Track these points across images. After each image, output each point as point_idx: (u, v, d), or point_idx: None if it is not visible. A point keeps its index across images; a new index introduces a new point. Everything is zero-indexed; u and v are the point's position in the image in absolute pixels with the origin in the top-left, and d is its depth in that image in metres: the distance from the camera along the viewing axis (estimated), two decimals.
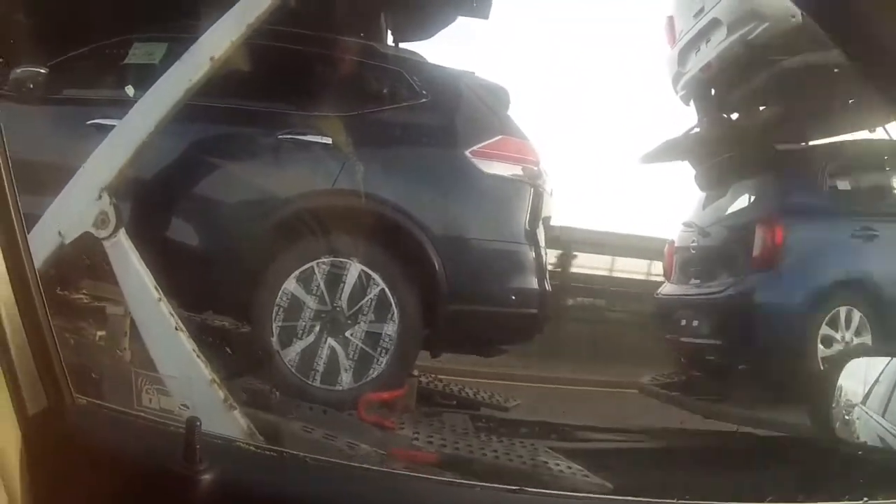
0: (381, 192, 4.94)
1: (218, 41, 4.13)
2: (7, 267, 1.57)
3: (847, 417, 2.56)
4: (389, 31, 6.40)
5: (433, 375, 6.20)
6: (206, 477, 1.49)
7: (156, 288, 3.92)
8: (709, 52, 7.28)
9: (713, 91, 7.59)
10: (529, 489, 1.85)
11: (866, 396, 2.60)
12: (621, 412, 7.06)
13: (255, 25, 4.15)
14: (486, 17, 6.41)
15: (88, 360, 4.29)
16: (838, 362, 2.71)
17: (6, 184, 1.54)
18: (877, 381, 2.59)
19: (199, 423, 1.52)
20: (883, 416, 2.53)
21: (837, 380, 2.54)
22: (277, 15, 4.26)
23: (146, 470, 1.58)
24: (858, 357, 2.85)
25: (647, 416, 6.77)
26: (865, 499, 1.75)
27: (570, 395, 8.01)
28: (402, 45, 6.36)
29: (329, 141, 5.01)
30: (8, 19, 5.04)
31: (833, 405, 2.52)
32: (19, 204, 1.60)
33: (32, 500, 1.50)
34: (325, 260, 4.86)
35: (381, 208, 4.93)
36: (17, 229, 1.58)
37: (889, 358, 2.69)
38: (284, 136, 5.02)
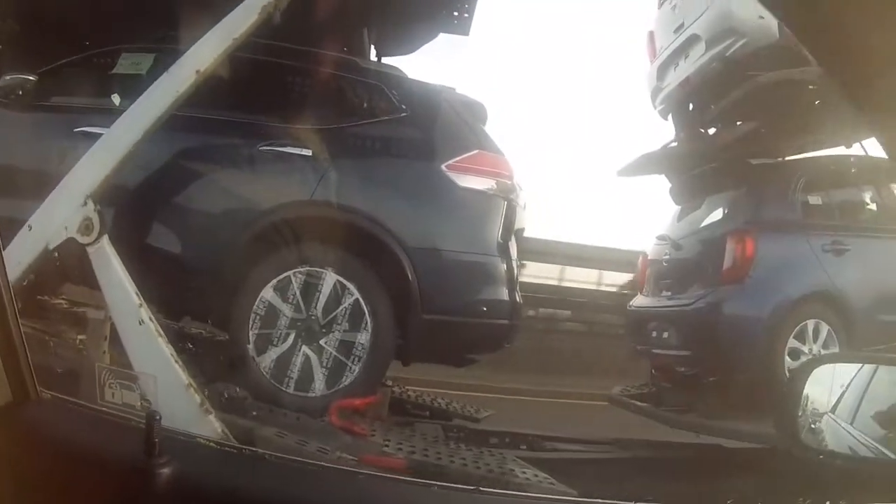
0: (357, 203, 5.05)
1: (204, 54, 4.22)
2: None
3: (815, 426, 2.60)
4: (372, 47, 6.50)
5: (406, 386, 6.30)
6: (165, 470, 1.56)
7: (136, 293, 4.01)
8: (687, 67, 7.40)
9: (691, 106, 7.71)
10: (485, 490, 1.92)
11: (835, 405, 2.62)
12: (592, 423, 7.15)
13: (241, 39, 4.25)
14: (466, 33, 6.54)
15: (54, 357, 4.40)
16: (804, 370, 2.72)
17: None
18: (845, 389, 2.62)
19: (158, 418, 1.60)
20: (852, 425, 2.57)
21: (803, 388, 2.54)
22: (263, 29, 4.38)
23: (108, 463, 1.63)
24: (824, 365, 2.88)
25: (618, 427, 6.85)
26: (828, 503, 1.82)
27: (542, 407, 8.10)
28: (384, 59, 6.48)
29: (309, 153, 5.10)
30: None
31: (799, 414, 2.54)
32: None
33: None
34: (302, 269, 4.97)
35: (357, 219, 5.03)
36: None
37: (857, 365, 2.75)
38: (265, 148, 5.11)
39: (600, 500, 2.02)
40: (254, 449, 1.93)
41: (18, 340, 1.71)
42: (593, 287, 10.75)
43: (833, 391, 2.65)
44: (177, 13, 4.77)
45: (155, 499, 1.44)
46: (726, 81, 7.02)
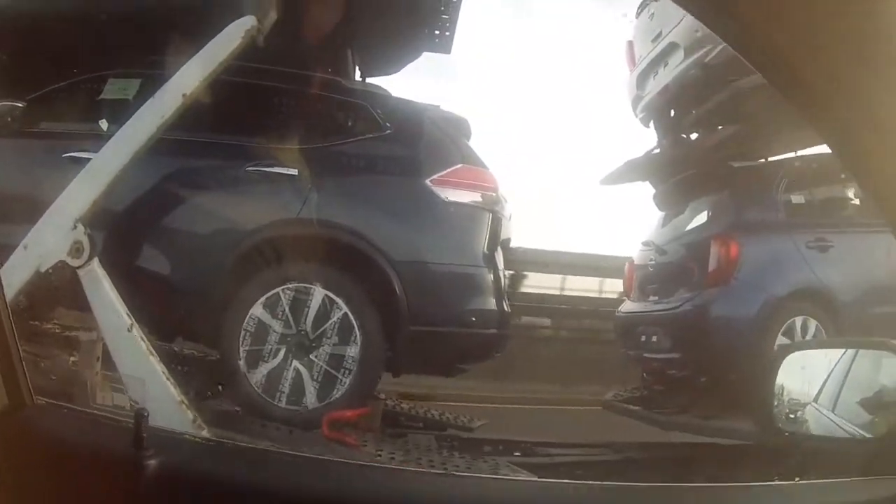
0: (343, 219, 5.16)
1: (190, 78, 4.32)
2: None
3: (796, 416, 2.64)
4: (357, 68, 6.59)
5: (399, 398, 6.35)
6: (152, 462, 1.62)
7: (128, 314, 4.09)
8: (667, 74, 7.48)
9: (672, 112, 7.79)
10: (456, 472, 1.96)
11: (818, 394, 2.65)
12: (586, 428, 7.17)
13: (227, 63, 4.35)
14: (448, 51, 6.65)
15: (48, 364, 4.47)
16: (775, 358, 2.74)
17: None
18: (827, 377, 2.66)
19: (146, 414, 1.67)
20: (833, 412, 2.61)
21: (776, 375, 2.59)
22: (247, 52, 4.47)
23: (99, 459, 1.69)
24: (795, 352, 2.90)
25: (612, 432, 6.88)
26: (797, 478, 1.86)
27: (538, 414, 8.11)
28: (370, 80, 6.57)
29: (295, 172, 5.18)
30: None
31: (774, 401, 2.58)
32: None
33: None
34: (291, 286, 5.04)
35: (343, 235, 5.13)
36: None
37: (839, 352, 2.77)
38: (252, 168, 5.20)
39: (567, 481, 2.06)
40: (237, 443, 1.99)
41: (14, 349, 1.77)
42: (586, 294, 10.76)
43: (814, 380, 2.68)
44: (163, 38, 4.84)
45: (144, 489, 1.51)
46: (706, 87, 7.08)
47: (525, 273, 10.00)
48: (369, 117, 5.61)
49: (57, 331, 5.00)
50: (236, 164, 5.27)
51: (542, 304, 10.27)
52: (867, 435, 2.34)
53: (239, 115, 5.40)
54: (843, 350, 2.76)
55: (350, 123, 5.65)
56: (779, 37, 1.24)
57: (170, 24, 4.94)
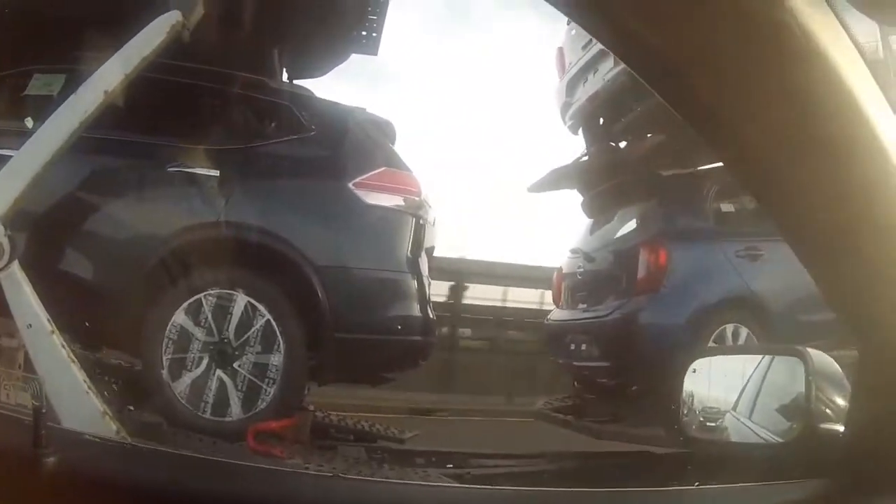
0: (264, 223, 5.03)
1: (113, 74, 4.17)
2: None
3: (715, 423, 2.59)
4: (283, 68, 6.49)
5: (328, 410, 6.24)
6: (51, 459, 1.54)
7: (48, 320, 3.92)
8: (596, 82, 7.52)
9: (601, 120, 7.83)
10: (345, 475, 1.89)
11: (736, 401, 2.66)
12: (521, 438, 7.15)
13: (150, 59, 4.22)
14: (375, 53, 6.59)
15: None
16: (683, 364, 2.73)
17: None
18: (746, 384, 2.65)
19: (44, 410, 1.58)
20: (750, 419, 2.58)
21: (683, 381, 2.56)
22: (172, 49, 4.35)
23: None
24: (702, 358, 2.86)
25: (548, 442, 6.85)
26: (697, 483, 1.82)
27: (471, 425, 8.09)
28: (297, 82, 6.48)
29: (217, 173, 5.05)
30: None
31: (685, 411, 2.57)
32: None
33: None
34: (213, 292, 4.90)
35: (264, 239, 5.00)
36: None
37: (756, 358, 2.75)
38: (174, 169, 5.05)
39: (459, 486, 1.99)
40: (142, 443, 1.89)
41: None
42: (518, 305, 10.78)
43: (733, 387, 2.65)
44: (88, 33, 4.68)
45: (41, 486, 1.42)
46: (635, 95, 7.10)
47: (460, 283, 10.01)
48: (293, 118, 5.51)
49: None
50: (157, 164, 5.11)
51: (472, 314, 10.27)
52: (780, 440, 2.32)
53: (161, 114, 5.24)
54: (760, 357, 2.75)
55: (273, 124, 5.56)
56: (657, 42, 1.17)
57: (96, 18, 4.77)
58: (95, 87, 4.14)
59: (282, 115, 5.55)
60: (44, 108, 4.60)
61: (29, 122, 4.96)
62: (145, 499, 0.93)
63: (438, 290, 8.52)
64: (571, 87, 7.92)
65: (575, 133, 8.05)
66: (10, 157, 4.20)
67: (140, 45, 4.20)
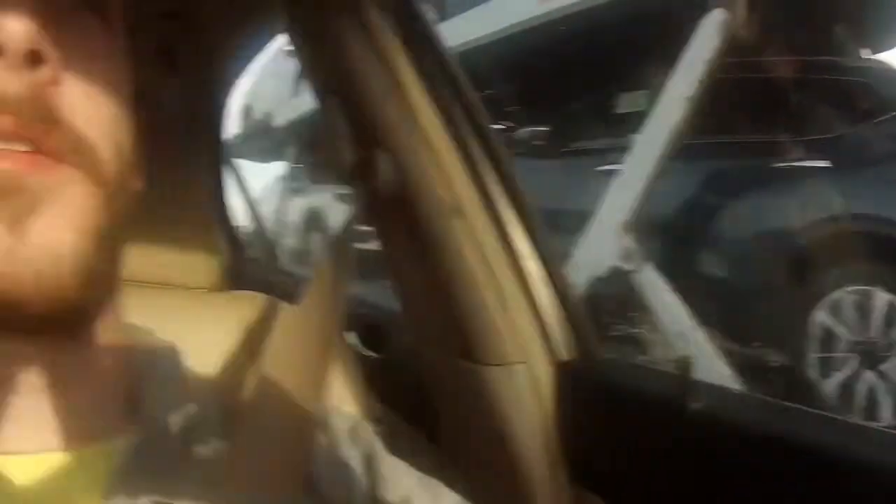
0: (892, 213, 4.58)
1: (686, 81, 4.22)
2: None
3: None
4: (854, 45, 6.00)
5: None
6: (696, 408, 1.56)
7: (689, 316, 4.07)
8: None
9: None
10: None
11: None
12: None
13: (716, 61, 4.14)
14: None
15: None
16: None
17: None
18: None
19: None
20: None
21: None
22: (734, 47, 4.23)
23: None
24: None
25: None
26: None
27: None
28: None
29: (826, 164, 4.87)
30: None
31: None
32: None
33: None
34: (850, 289, 4.56)
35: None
36: None
37: None
38: (781, 165, 4.97)
39: None
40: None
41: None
42: None
43: None
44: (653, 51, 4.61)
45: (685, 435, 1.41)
46: None
47: None
48: (881, 96, 5.17)
49: None
50: (762, 162, 5.04)
51: None
52: None
53: (754, 112, 5.20)
54: None
55: (865, 105, 5.12)
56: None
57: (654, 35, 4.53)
58: (676, 96, 4.23)
59: (869, 95, 5.20)
60: (637, 122, 4.60)
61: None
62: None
63: None
64: None
65: None
66: (620, 170, 4.44)
67: (699, 50, 4.20)
